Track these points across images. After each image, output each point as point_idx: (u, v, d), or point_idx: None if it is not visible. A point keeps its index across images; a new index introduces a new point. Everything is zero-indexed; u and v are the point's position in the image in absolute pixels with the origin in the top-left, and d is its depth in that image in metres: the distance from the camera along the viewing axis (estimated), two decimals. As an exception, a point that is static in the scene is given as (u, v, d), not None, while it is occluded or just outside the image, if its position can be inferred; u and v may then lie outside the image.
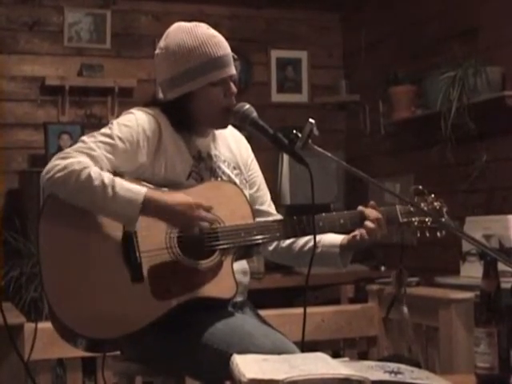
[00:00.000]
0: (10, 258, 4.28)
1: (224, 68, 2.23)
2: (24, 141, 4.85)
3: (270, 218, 2.35)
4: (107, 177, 2.03)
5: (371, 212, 2.25)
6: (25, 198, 4.54)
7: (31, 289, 4.10)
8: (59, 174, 2.03)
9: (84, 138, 2.14)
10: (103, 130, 2.16)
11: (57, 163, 2.05)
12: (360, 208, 2.27)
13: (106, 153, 2.10)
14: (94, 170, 2.03)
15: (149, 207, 2.03)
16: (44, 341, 2.97)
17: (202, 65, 2.20)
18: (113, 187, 2.01)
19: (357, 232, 2.24)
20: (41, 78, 4.87)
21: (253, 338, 2.01)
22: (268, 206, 2.45)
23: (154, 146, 2.18)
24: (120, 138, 2.13)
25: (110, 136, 2.13)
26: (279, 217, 2.40)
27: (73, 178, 2.02)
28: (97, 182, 2.01)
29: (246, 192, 2.32)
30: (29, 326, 3.03)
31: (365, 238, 2.22)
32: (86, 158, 2.06)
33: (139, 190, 2.04)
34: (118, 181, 2.04)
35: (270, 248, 2.39)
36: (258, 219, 2.27)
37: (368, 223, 2.22)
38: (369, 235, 2.22)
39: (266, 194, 2.46)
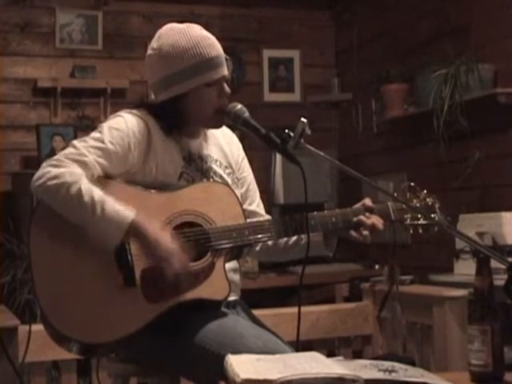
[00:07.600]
0: (3, 260, 4.26)
1: (218, 68, 2.23)
2: (16, 143, 4.84)
3: (260, 218, 2.34)
4: (97, 194, 2.01)
5: (366, 220, 2.26)
6: (18, 199, 4.53)
7: (25, 291, 4.09)
8: (50, 183, 2.02)
9: (75, 142, 2.13)
10: (93, 135, 2.15)
11: (48, 170, 2.04)
12: (355, 219, 2.26)
13: (98, 157, 2.09)
14: (85, 186, 2.01)
15: (133, 233, 2.01)
16: (38, 343, 2.96)
17: (196, 65, 2.20)
18: (102, 206, 2.00)
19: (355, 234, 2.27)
20: (33, 79, 4.85)
21: (244, 339, 2.01)
22: (257, 205, 2.45)
23: (144, 149, 2.18)
24: (111, 142, 2.12)
25: (101, 140, 2.12)
26: (268, 217, 2.39)
27: (63, 189, 2.00)
28: (86, 198, 1.99)
29: (237, 191, 2.31)
30: (23, 329, 3.02)
31: (359, 239, 2.25)
32: (78, 167, 2.05)
33: (127, 215, 2.01)
34: (108, 200, 2.02)
35: (257, 248, 2.38)
36: (248, 219, 2.26)
37: (364, 232, 2.25)
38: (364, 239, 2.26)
39: (255, 194, 2.46)
